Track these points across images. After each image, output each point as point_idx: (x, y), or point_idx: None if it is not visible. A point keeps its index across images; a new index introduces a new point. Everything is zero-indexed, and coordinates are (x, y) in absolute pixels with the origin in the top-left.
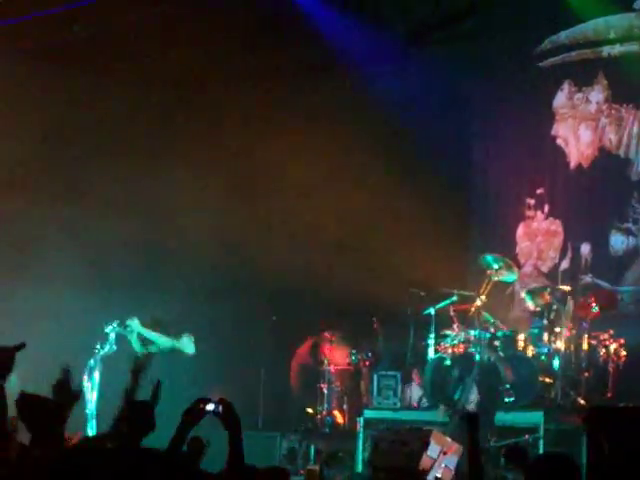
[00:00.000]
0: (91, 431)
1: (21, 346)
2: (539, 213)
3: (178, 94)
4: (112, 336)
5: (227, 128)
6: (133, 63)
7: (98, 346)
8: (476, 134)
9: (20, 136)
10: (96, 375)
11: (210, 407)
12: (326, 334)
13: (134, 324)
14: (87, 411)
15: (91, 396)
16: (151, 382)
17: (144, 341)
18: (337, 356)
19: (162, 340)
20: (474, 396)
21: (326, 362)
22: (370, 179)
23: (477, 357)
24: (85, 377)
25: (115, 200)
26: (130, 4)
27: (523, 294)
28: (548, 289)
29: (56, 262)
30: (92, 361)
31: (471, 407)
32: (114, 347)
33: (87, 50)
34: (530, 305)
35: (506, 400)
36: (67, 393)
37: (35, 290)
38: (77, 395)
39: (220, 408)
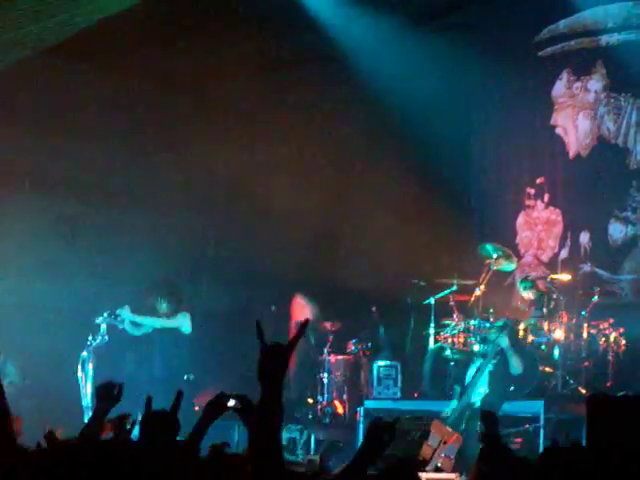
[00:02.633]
0: None
1: None
2: (539, 202)
3: (170, 85)
4: (103, 327)
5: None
6: (122, 54)
7: (90, 338)
8: (475, 123)
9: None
10: (89, 367)
11: (231, 403)
12: (327, 324)
13: (124, 313)
14: (83, 403)
15: (86, 388)
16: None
17: (138, 325)
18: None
19: (156, 323)
20: (483, 388)
21: (326, 352)
22: (369, 168)
23: (481, 348)
24: (79, 369)
25: (111, 192)
26: None
27: (518, 284)
28: (547, 278)
29: (47, 254)
30: (85, 353)
31: (478, 400)
32: (106, 338)
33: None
34: (524, 295)
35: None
36: (110, 396)
37: (28, 283)
38: (118, 399)
39: (240, 404)
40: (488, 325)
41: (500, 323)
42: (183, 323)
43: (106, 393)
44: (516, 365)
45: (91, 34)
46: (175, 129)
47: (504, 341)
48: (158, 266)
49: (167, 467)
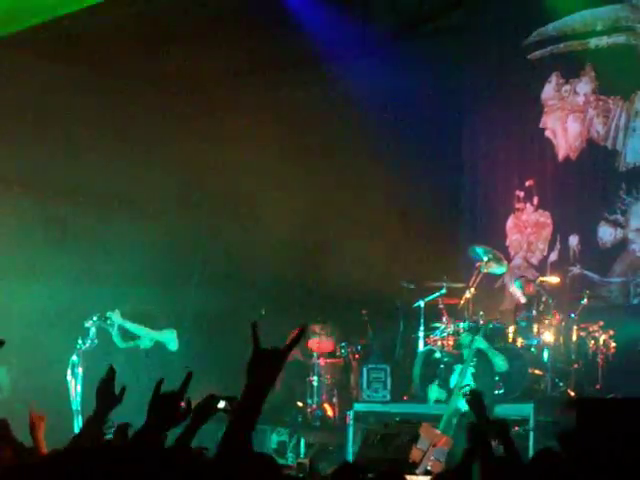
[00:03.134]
0: (78, 427)
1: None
2: (528, 205)
3: (159, 88)
4: (93, 330)
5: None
6: (111, 56)
7: (80, 341)
8: (465, 127)
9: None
10: (79, 371)
11: (221, 405)
12: (315, 327)
13: (114, 316)
14: (73, 407)
15: (75, 392)
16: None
17: (125, 335)
18: (324, 348)
19: (144, 332)
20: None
21: (315, 355)
22: (359, 173)
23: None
24: (69, 373)
25: (101, 195)
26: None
27: (513, 283)
28: (536, 281)
29: (36, 257)
30: (75, 357)
31: (464, 405)
32: (95, 341)
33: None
34: (519, 293)
35: (496, 392)
36: (110, 395)
37: (17, 286)
38: (119, 399)
39: (230, 406)
40: (460, 326)
41: (469, 325)
42: (170, 340)
43: (107, 391)
44: (500, 363)
45: (80, 35)
46: (164, 131)
47: (481, 343)
48: (147, 269)
49: (159, 469)
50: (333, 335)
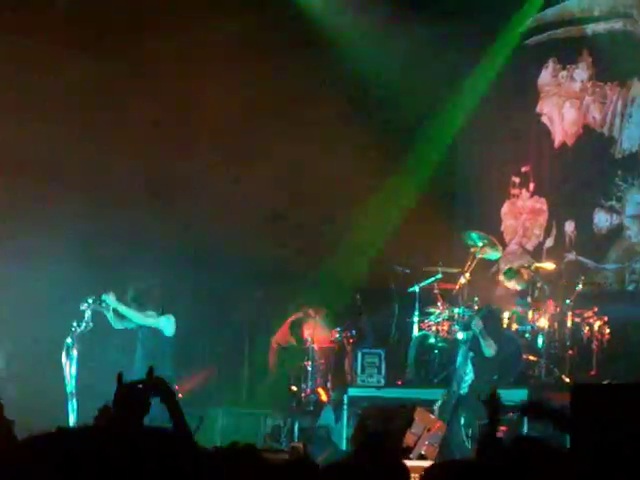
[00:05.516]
0: (72, 409)
1: None
2: (524, 191)
3: (150, 69)
4: (88, 313)
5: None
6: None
7: (75, 324)
8: (461, 112)
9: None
10: (74, 353)
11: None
12: (310, 311)
13: (109, 299)
14: (67, 390)
15: (70, 374)
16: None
17: (122, 317)
18: (318, 334)
19: (138, 318)
20: (469, 376)
21: (309, 340)
22: (353, 157)
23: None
24: (63, 355)
25: (92, 175)
26: None
27: (501, 275)
28: (532, 267)
29: (32, 240)
30: (69, 339)
31: (465, 387)
32: (91, 324)
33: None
34: (509, 285)
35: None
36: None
37: (12, 268)
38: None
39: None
40: (470, 313)
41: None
42: (166, 326)
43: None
44: (487, 346)
45: (66, 15)
46: (155, 117)
47: (475, 325)
48: (140, 252)
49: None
50: (326, 322)
